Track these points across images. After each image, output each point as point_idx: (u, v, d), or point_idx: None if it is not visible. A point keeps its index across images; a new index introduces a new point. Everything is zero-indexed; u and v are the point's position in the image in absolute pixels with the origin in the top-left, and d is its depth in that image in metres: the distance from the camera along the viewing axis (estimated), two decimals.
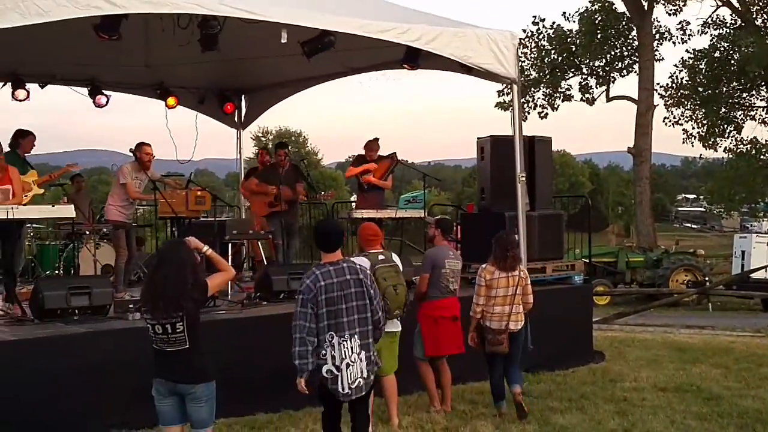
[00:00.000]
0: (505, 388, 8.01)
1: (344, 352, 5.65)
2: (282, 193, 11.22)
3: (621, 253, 24.08)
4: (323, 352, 5.62)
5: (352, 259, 6.31)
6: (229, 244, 10.12)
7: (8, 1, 6.56)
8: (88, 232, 11.32)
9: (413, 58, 9.78)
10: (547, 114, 30.77)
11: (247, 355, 7.80)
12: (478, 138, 11.05)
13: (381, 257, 7.18)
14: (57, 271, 11.55)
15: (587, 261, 15.19)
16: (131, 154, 10.48)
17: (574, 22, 30.14)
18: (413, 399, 8.38)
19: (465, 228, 11.32)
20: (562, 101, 30.94)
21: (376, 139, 11.87)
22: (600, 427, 7.55)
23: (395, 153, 11.64)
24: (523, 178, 10.01)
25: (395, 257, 7.48)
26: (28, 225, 11.40)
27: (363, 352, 5.74)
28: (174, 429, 5.41)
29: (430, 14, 10.16)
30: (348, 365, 5.66)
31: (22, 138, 10.21)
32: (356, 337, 5.71)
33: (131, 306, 8.17)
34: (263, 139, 73.92)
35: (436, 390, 8.07)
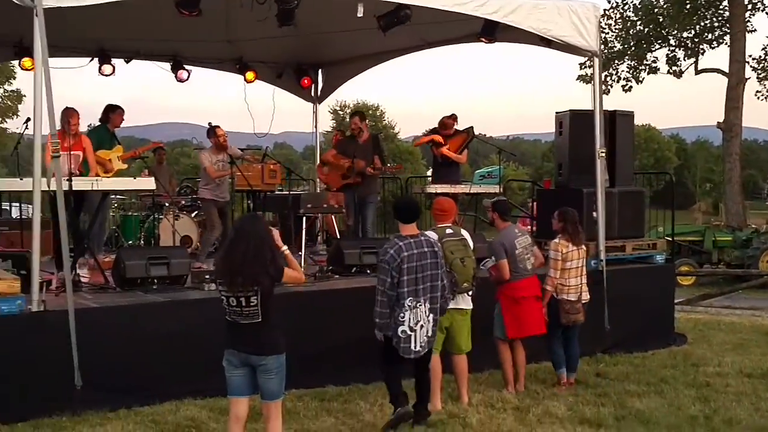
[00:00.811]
0: (564, 359, 8.21)
1: (419, 315, 6.39)
2: (355, 165, 11.12)
3: (708, 231, 23.30)
4: (401, 315, 6.34)
5: (426, 232, 6.81)
6: (303, 218, 10.17)
7: None
8: (167, 204, 11.51)
9: (491, 31, 9.63)
10: (631, 87, 29.92)
11: (319, 328, 7.85)
12: (556, 112, 10.85)
13: (448, 231, 7.24)
14: (138, 242, 11.81)
15: (671, 239, 14.88)
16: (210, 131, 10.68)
17: None
18: (484, 377, 8.33)
19: (541, 204, 11.13)
20: (648, 74, 30.08)
21: (453, 116, 11.71)
22: (679, 413, 7.30)
23: (471, 127, 11.49)
24: (603, 154, 9.75)
25: (465, 233, 7.48)
26: (113, 196, 11.67)
27: (431, 315, 6.50)
28: (243, 400, 5.48)
29: None
30: (421, 326, 6.41)
31: (112, 113, 10.51)
32: (428, 302, 6.44)
33: (207, 277, 8.31)
34: (341, 112, 74.19)
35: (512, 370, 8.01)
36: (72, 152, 8.92)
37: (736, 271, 21.49)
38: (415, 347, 6.42)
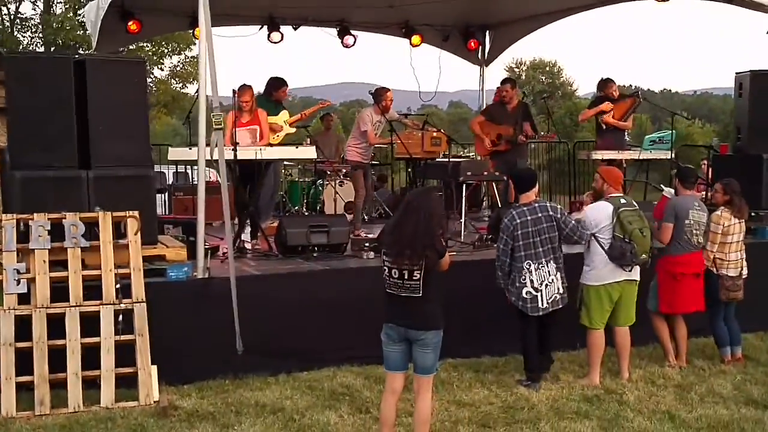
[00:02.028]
0: (727, 336, 7.87)
1: (543, 275, 6.82)
2: (504, 132, 10.89)
3: None
4: (522, 278, 6.82)
5: (593, 204, 7.26)
6: (464, 185, 10.12)
7: None
8: (329, 172, 11.74)
9: None
10: None
11: (476, 298, 7.77)
12: (736, 73, 10.22)
13: (623, 201, 7.13)
14: (303, 207, 12.13)
15: None
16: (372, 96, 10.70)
17: None
18: (648, 351, 8.08)
19: (717, 171, 10.56)
20: None
21: (611, 80, 11.33)
22: None
23: (638, 92, 11.06)
24: None
25: (633, 201, 7.32)
26: (285, 163, 11.98)
27: (558, 274, 6.91)
28: (400, 374, 5.50)
29: None
30: (547, 285, 6.83)
31: (275, 89, 10.57)
32: (552, 262, 6.86)
33: (366, 245, 8.44)
34: (516, 70, 73.16)
35: (671, 343, 7.75)
36: (248, 127, 9.26)
37: None
38: (542, 305, 6.84)
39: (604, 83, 11.43)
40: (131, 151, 7.19)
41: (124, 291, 6.55)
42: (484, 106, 13.77)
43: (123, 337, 6.44)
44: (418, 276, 5.28)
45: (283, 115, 10.49)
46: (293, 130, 10.79)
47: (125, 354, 6.43)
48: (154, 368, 6.42)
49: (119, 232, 6.79)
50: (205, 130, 7.15)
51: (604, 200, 7.15)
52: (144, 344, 6.43)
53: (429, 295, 5.35)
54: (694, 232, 7.56)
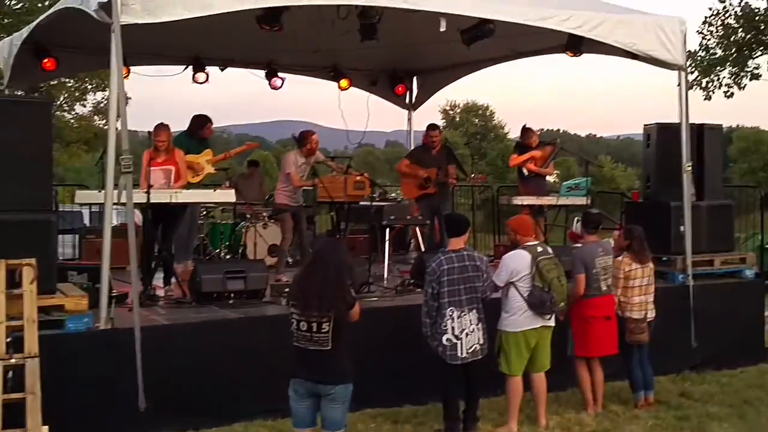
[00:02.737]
0: (642, 379, 8.06)
1: (464, 323, 6.82)
2: (439, 174, 11.12)
3: None
4: (444, 324, 6.79)
5: (513, 252, 7.30)
6: (387, 229, 10.23)
7: None
8: (249, 216, 11.69)
9: (576, 45, 9.60)
10: (732, 93, 29.09)
11: (398, 345, 7.72)
12: (645, 125, 10.69)
13: (540, 249, 7.31)
14: (224, 251, 11.95)
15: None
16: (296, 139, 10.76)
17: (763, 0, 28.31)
18: (566, 396, 8.23)
19: (629, 217, 10.96)
20: (750, 80, 29.18)
21: (531, 129, 11.79)
22: None
23: (557, 140, 11.44)
24: (690, 168, 9.56)
25: (548, 248, 7.53)
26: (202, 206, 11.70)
27: (480, 324, 6.92)
28: (307, 431, 5.47)
29: (594, 0, 9.86)
30: (467, 334, 6.83)
31: (198, 126, 10.36)
32: (474, 311, 6.88)
33: (286, 290, 8.41)
34: (450, 112, 74.09)
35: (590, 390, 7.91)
36: (163, 167, 9.04)
37: None
38: (461, 353, 6.82)
39: (525, 132, 11.85)
40: (31, 194, 6.90)
41: (17, 345, 6.13)
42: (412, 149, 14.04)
43: (12, 396, 5.96)
44: (327, 328, 5.24)
45: (207, 154, 10.24)
46: (214, 171, 10.55)
47: (15, 413, 5.94)
48: (46, 429, 5.94)
49: (14, 280, 6.37)
50: (113, 172, 6.91)
51: (521, 248, 7.28)
52: (34, 403, 5.92)
53: (338, 348, 5.31)
54: (602, 277, 7.78)
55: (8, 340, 6.15)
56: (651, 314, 8.06)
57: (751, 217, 15.70)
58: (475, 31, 9.08)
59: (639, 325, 7.95)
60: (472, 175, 11.53)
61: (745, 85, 29.03)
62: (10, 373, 6.08)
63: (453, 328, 6.81)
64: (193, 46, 12.12)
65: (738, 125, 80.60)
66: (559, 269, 7.26)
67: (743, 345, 9.95)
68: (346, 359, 5.37)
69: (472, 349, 6.87)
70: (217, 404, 7.16)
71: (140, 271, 7.76)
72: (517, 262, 7.20)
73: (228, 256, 11.75)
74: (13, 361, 6.08)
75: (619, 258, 8.03)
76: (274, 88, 13.44)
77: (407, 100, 14.79)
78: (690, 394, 8.51)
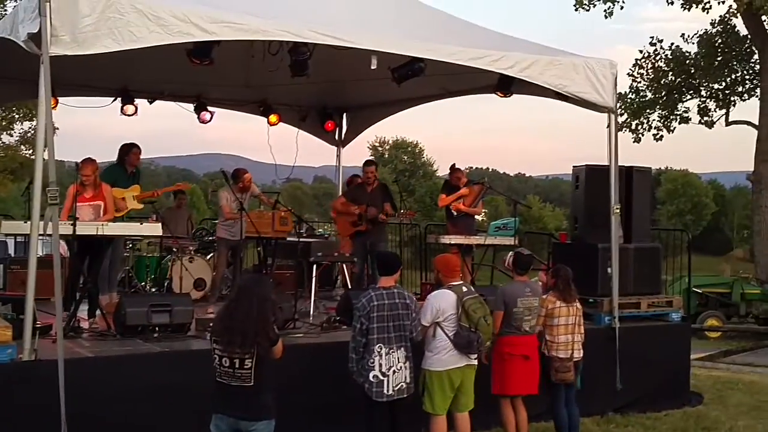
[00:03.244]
0: (566, 420, 8.00)
1: (392, 360, 6.75)
2: (368, 212, 11.08)
3: (736, 284, 22.96)
4: (371, 360, 6.70)
5: (437, 291, 7.23)
6: (314, 265, 10.16)
7: (104, 27, 6.75)
8: (175, 249, 11.57)
9: (506, 85, 9.65)
10: (662, 136, 29.80)
11: (321, 382, 7.67)
12: (574, 166, 10.77)
13: (465, 289, 7.26)
14: (150, 284, 11.80)
15: (698, 291, 14.65)
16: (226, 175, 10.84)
17: (693, 44, 29.19)
18: None
19: (556, 258, 10.99)
20: (679, 123, 29.93)
21: (459, 168, 11.95)
22: None
23: (485, 179, 11.54)
24: (617, 210, 9.66)
25: (472, 288, 7.53)
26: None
27: (407, 363, 6.86)
28: None
29: (526, 41, 9.96)
30: (394, 372, 6.76)
31: (127, 154, 10.36)
32: (402, 349, 6.82)
33: (211, 325, 8.25)
34: (380, 148, 74.64)
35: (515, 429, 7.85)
36: (92, 203, 9.00)
37: (759, 328, 21.08)
38: (387, 391, 6.74)
39: (453, 171, 11.96)
40: None
41: None
42: (340, 185, 14.03)
43: None
44: (250, 365, 5.21)
45: (134, 190, 10.21)
46: (140, 206, 10.52)
47: None
48: None
49: None
50: (39, 203, 6.82)
51: (446, 288, 7.22)
52: None
53: (261, 384, 5.26)
54: (525, 318, 7.76)
55: None
56: (578, 354, 8.03)
57: (679, 260, 16.01)
58: (406, 69, 9.11)
59: (564, 364, 7.90)
60: (401, 211, 11.46)
61: (675, 128, 29.74)
62: None
63: (381, 365, 6.72)
64: (122, 78, 12.06)
65: (667, 167, 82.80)
66: (484, 308, 7.21)
67: (668, 388, 10.01)
68: (269, 395, 5.34)
69: (398, 387, 6.78)
70: None
71: (65, 302, 7.60)
72: (442, 302, 7.14)
73: (154, 290, 11.62)
74: None
75: (545, 296, 8.05)
76: (203, 122, 13.37)
77: (336, 136, 14.82)
78: None
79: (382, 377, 6.73)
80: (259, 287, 5.45)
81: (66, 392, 6.48)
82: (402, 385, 6.82)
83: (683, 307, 11.41)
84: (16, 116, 28.80)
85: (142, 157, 10.63)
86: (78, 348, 7.61)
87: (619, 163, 9.89)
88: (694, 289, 15.64)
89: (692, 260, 12.26)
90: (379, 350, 6.73)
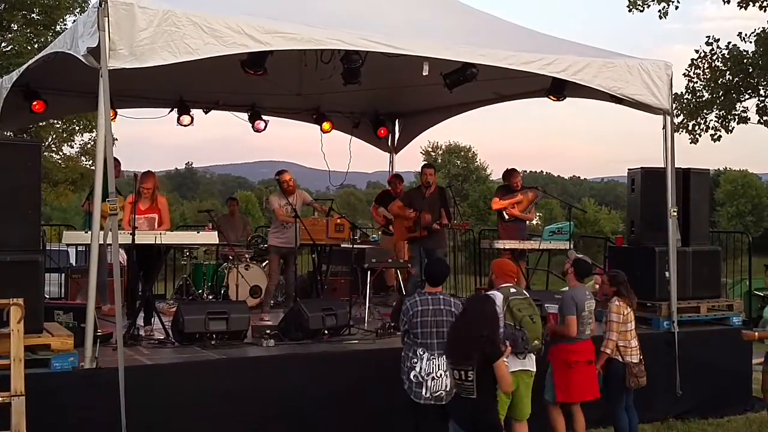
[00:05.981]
0: (627, 425, 7.91)
1: (432, 367, 6.67)
2: (422, 218, 10.92)
3: None
4: (414, 360, 6.72)
5: (488, 292, 7.08)
6: (368, 272, 10.20)
7: (160, 40, 6.90)
8: (231, 257, 11.69)
9: (559, 89, 9.52)
10: (720, 137, 29.17)
11: (374, 389, 7.65)
12: (629, 169, 10.62)
13: (512, 290, 7.23)
14: (207, 291, 11.96)
15: (759, 294, 14.34)
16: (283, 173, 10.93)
17: (750, 42, 28.56)
18: None
19: (612, 262, 10.88)
20: (738, 123, 29.30)
21: (516, 170, 11.87)
22: None
23: (538, 186, 11.44)
24: (675, 214, 9.53)
25: (524, 291, 7.51)
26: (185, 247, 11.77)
27: (449, 371, 6.46)
28: None
29: (578, 43, 9.88)
30: (434, 378, 6.67)
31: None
32: (444, 357, 6.54)
33: (267, 332, 8.34)
34: (433, 153, 74.47)
35: None
36: (147, 215, 9.23)
37: None
38: (426, 393, 6.68)
39: (509, 173, 11.86)
40: (19, 235, 6.89)
41: (3, 383, 6.08)
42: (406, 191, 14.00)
43: None
44: (472, 377, 5.73)
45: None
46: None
47: None
48: None
49: (1, 320, 6.41)
50: (100, 213, 6.97)
51: (495, 290, 7.22)
52: None
53: (485, 398, 5.81)
54: (587, 321, 7.74)
55: None
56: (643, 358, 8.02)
57: (739, 262, 15.69)
58: (458, 74, 9.09)
59: (640, 368, 7.87)
60: (455, 222, 11.38)
61: (733, 128, 29.12)
62: None
63: (422, 368, 6.71)
64: (178, 89, 12.25)
65: (725, 168, 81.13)
66: (532, 308, 7.17)
67: (730, 393, 9.84)
68: (493, 412, 5.95)
69: (437, 394, 6.69)
70: None
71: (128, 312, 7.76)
72: None
73: (210, 297, 11.76)
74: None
75: (615, 303, 7.91)
76: (258, 130, 13.49)
77: (389, 143, 14.86)
78: None
79: (421, 379, 6.73)
80: (483, 305, 6.09)
81: (126, 399, 6.60)
82: (441, 393, 6.69)
83: (744, 311, 11.20)
84: (77, 128, 29.30)
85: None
86: (137, 356, 7.74)
87: (676, 165, 9.75)
88: (755, 292, 15.25)
89: (753, 263, 12.02)
90: (421, 354, 6.72)
